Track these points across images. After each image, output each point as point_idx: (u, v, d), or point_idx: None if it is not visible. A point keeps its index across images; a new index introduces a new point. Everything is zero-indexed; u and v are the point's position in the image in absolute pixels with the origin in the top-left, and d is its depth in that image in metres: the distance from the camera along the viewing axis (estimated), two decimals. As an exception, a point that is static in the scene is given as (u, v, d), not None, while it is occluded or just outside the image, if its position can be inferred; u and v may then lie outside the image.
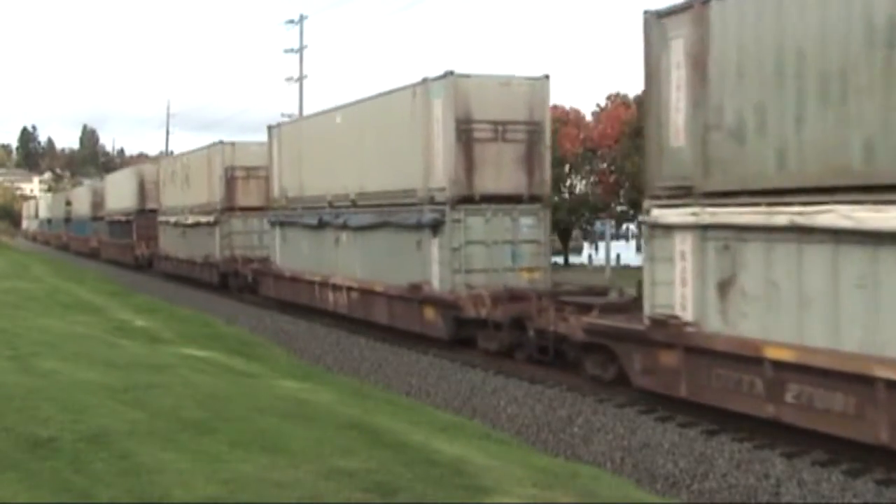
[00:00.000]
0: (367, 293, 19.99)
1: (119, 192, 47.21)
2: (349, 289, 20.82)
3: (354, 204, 20.49)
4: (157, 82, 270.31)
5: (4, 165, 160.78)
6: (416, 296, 17.69)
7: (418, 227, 17.45)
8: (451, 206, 16.69)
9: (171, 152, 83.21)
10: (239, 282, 29.40)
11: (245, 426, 8.30)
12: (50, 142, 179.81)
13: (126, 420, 8.11)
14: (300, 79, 46.90)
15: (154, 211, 40.35)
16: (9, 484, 6.03)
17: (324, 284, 22.20)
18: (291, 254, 24.63)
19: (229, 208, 30.18)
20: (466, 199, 16.84)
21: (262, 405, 9.82)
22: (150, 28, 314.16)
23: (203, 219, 31.98)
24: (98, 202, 54.38)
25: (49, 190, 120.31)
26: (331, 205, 21.72)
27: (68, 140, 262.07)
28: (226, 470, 6.57)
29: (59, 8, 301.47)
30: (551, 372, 14.68)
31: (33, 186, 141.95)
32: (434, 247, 17.15)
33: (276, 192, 25.63)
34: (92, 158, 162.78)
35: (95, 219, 55.06)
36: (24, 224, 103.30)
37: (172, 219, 36.29)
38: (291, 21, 47.82)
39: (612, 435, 11.53)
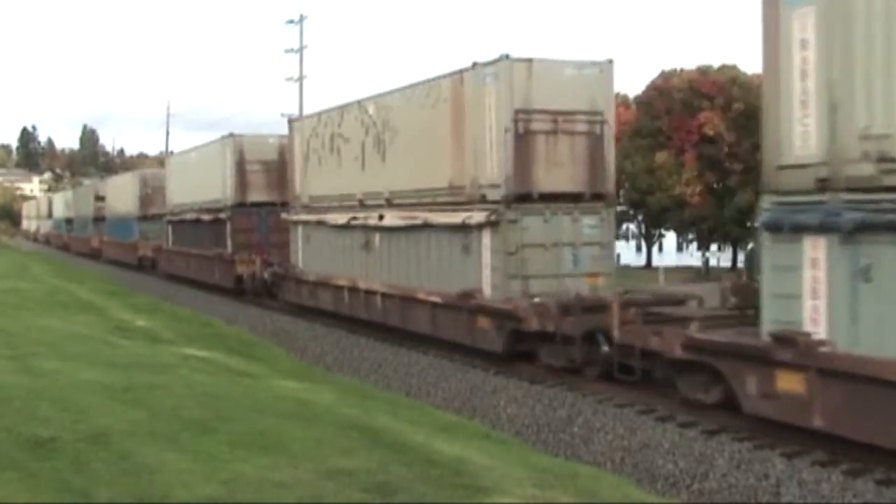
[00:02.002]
0: None
1: (193, 180, 33.54)
2: None
3: None
4: (157, 82, 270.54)
5: (4, 165, 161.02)
6: None
7: None
8: None
9: (171, 152, 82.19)
10: (579, 354, 13.69)
11: (245, 426, 8.30)
12: (50, 142, 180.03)
13: (126, 420, 8.11)
14: (300, 79, 46.87)
15: (266, 205, 28.67)
16: (9, 484, 6.04)
17: None
18: None
19: (523, 196, 15.15)
20: None
21: (262, 405, 9.82)
22: (151, 28, 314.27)
23: (441, 218, 16.63)
24: (150, 195, 42.06)
25: (49, 190, 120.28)
26: None
27: (68, 140, 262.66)
28: (226, 470, 6.57)
29: (60, 8, 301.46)
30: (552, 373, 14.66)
31: (33, 186, 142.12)
32: None
33: (837, 142, 9.42)
34: (92, 158, 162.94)
35: (146, 218, 42.08)
36: (33, 224, 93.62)
37: (336, 218, 21.19)
38: (291, 21, 47.77)
39: (612, 435, 11.54)
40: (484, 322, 15.61)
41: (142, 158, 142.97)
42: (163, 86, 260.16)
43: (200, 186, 32.20)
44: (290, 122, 25.32)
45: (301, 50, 47.23)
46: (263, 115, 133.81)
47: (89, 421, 7.93)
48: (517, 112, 15.02)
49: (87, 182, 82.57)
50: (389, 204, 18.93)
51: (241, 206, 29.03)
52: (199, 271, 32.52)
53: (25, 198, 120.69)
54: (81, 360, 12.16)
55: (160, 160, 75.50)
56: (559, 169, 15.39)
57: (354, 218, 20.21)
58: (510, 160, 15.02)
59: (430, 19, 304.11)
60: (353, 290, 20.42)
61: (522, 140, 15.06)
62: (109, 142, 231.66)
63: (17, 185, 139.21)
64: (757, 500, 9.31)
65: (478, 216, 15.46)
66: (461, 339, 16.33)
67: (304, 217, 23.67)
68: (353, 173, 20.57)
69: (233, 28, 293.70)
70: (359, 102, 20.55)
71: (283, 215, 25.70)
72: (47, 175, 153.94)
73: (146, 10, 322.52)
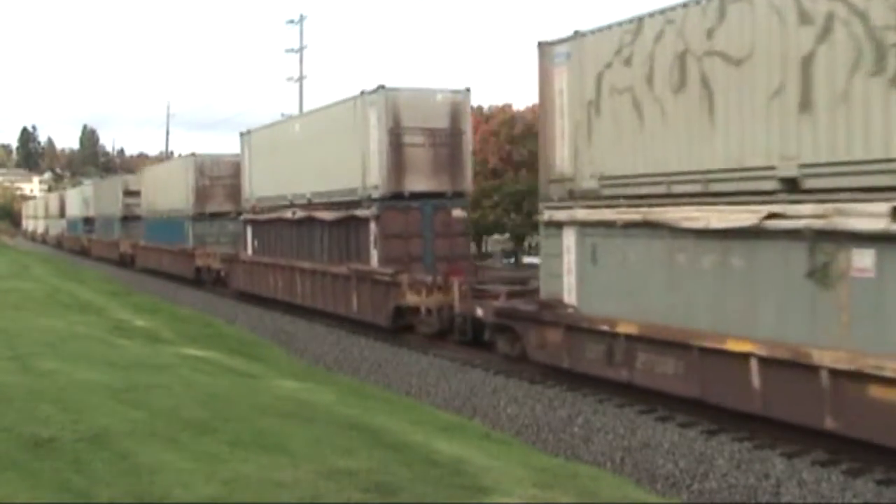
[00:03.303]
0: None
1: (298, 162, 23.66)
2: None
3: None
4: (158, 82, 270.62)
5: (4, 165, 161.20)
6: None
7: None
8: None
9: (171, 152, 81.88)
10: None
11: (245, 426, 8.30)
12: (50, 142, 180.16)
13: (126, 420, 8.11)
14: (300, 79, 46.87)
15: (433, 197, 19.61)
16: (9, 484, 6.03)
17: None
18: None
19: None
20: None
21: (262, 405, 9.82)
22: (151, 28, 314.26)
23: None
24: (207, 188, 33.59)
25: (49, 190, 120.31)
26: None
27: (68, 140, 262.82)
28: (226, 470, 6.58)
29: (60, 8, 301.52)
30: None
31: (33, 186, 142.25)
32: None
33: None
34: (92, 158, 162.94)
35: (202, 217, 33.84)
36: (40, 225, 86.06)
37: (706, 219, 11.07)
38: (291, 21, 47.78)
39: (612, 435, 11.54)
40: None
41: (142, 158, 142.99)
42: (163, 86, 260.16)
43: (316, 170, 22.34)
44: (544, 45, 14.01)
45: (301, 50, 47.23)
46: (264, 115, 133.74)
47: (89, 421, 7.93)
48: None
49: (87, 182, 79.68)
50: None
51: (396, 197, 19.24)
52: (318, 295, 22.28)
53: (25, 198, 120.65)
54: (81, 360, 12.16)
55: (160, 160, 75.27)
56: None
57: (776, 215, 10.22)
58: None
59: (430, 19, 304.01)
60: (789, 366, 9.99)
61: None
62: (109, 142, 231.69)
63: (17, 185, 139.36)
64: (757, 500, 9.31)
65: None
66: None
67: (584, 215, 13.28)
68: (766, 126, 10.46)
69: (233, 28, 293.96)
70: None
71: (476, 213, 19.74)
72: (47, 175, 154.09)
73: (146, 10, 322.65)
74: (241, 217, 28.50)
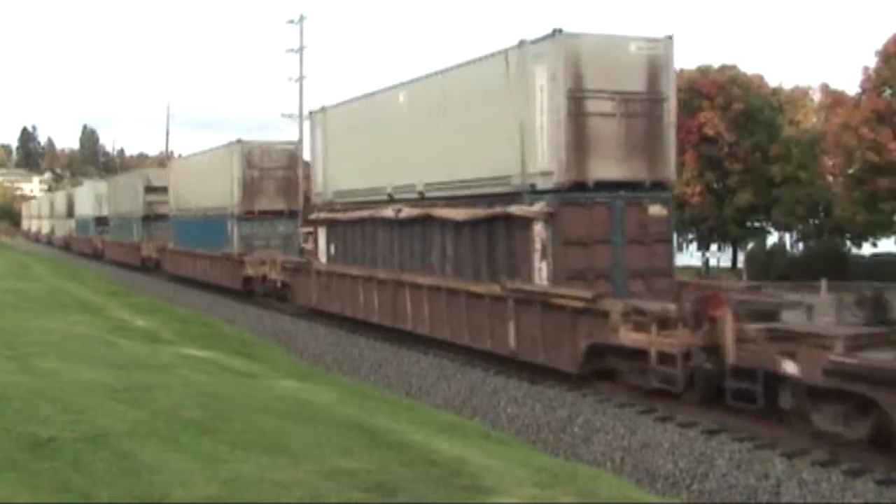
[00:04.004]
0: None
1: (398, 145, 18.69)
2: None
3: None
4: (158, 82, 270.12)
5: (4, 165, 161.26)
6: None
7: None
8: None
9: (172, 152, 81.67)
10: None
11: (245, 426, 8.31)
12: (50, 142, 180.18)
13: (126, 420, 8.12)
14: (300, 79, 46.82)
15: (624, 187, 14.48)
16: (9, 484, 6.03)
17: None
18: None
19: None
20: None
21: (262, 405, 9.83)
22: (151, 28, 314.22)
23: None
24: (256, 182, 28.89)
25: (49, 190, 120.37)
26: None
27: (68, 140, 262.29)
28: (226, 470, 6.58)
29: (60, 8, 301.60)
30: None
31: (33, 186, 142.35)
32: None
33: None
34: (92, 158, 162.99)
35: (250, 216, 29.01)
36: (45, 225, 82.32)
37: None
38: (291, 21, 47.72)
39: (612, 435, 11.54)
40: None
41: (142, 158, 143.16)
42: (163, 86, 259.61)
43: (434, 154, 17.20)
44: None
45: (301, 50, 47.14)
46: (264, 115, 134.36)
47: (89, 421, 7.93)
48: None
49: (87, 182, 78.01)
50: None
51: (576, 188, 14.11)
52: (443, 321, 16.84)
53: (25, 198, 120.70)
54: (81, 360, 12.17)
55: (160, 160, 75.13)
56: None
57: None
58: None
59: (430, 18, 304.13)
60: None
61: None
62: (109, 142, 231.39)
63: (17, 185, 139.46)
64: (757, 500, 9.31)
65: None
66: None
67: None
68: None
69: (233, 28, 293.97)
70: None
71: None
72: (47, 175, 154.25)
73: (146, 10, 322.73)
74: (312, 216, 23.25)
